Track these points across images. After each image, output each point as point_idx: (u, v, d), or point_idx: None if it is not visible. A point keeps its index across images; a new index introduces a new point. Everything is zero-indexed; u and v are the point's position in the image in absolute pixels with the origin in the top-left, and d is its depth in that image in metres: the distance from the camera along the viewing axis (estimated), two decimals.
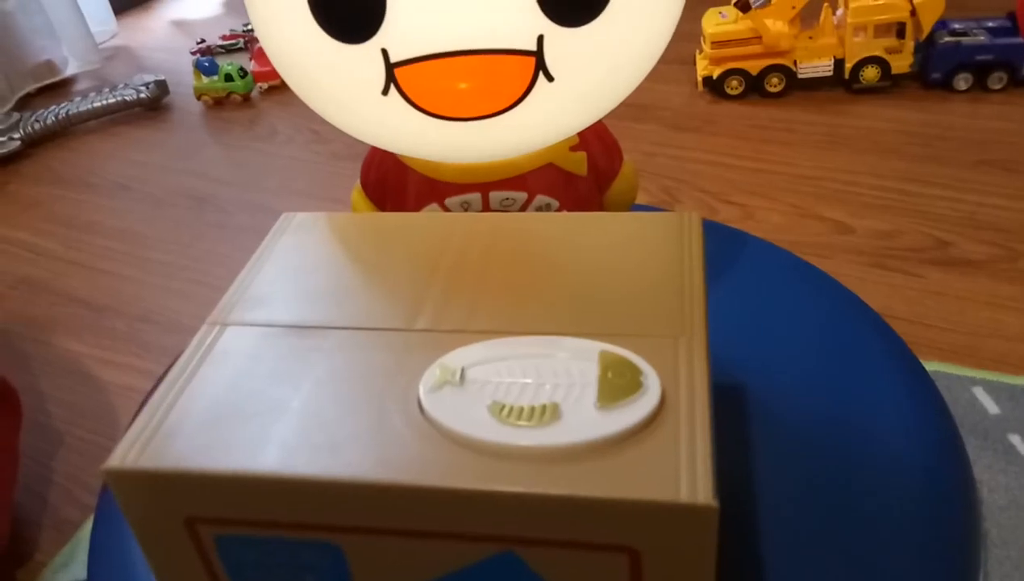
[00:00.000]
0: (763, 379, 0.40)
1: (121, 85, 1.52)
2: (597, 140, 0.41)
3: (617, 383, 0.25)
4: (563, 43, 0.31)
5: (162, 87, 1.52)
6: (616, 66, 0.34)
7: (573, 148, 0.39)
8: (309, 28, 0.32)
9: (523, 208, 0.39)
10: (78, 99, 1.50)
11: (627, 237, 0.32)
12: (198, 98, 1.51)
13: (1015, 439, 0.77)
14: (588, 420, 0.24)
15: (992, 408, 0.80)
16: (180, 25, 1.94)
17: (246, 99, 1.50)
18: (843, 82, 1.26)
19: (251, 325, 0.29)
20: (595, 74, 0.34)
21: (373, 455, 0.24)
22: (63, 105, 1.48)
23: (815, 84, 1.28)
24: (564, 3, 0.31)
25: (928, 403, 0.38)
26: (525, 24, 0.31)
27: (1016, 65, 1.18)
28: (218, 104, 1.50)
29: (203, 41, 1.73)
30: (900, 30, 1.20)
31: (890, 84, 1.25)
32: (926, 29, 1.19)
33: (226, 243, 1.14)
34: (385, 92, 0.32)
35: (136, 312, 1.06)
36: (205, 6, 2.04)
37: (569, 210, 0.40)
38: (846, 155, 1.16)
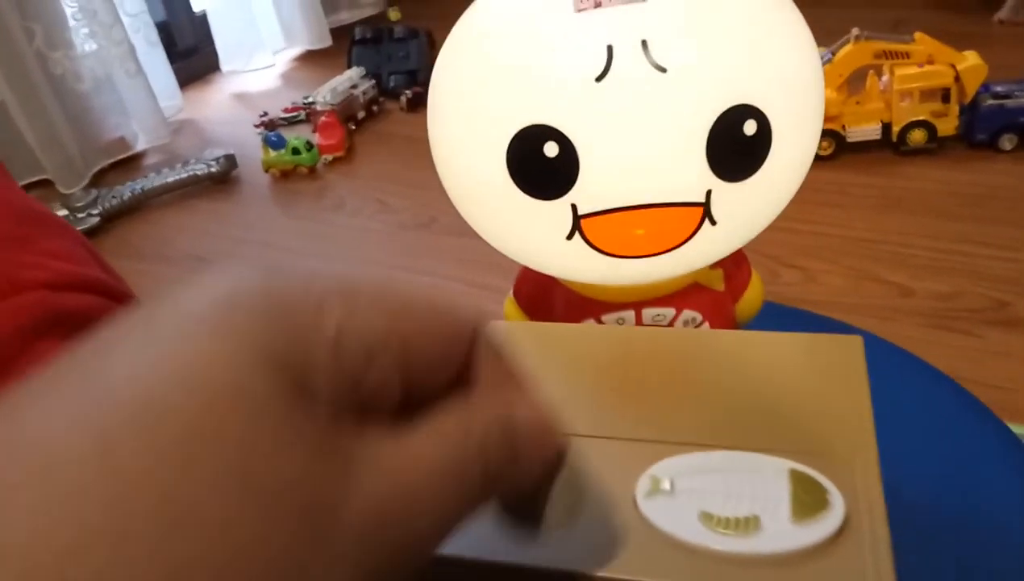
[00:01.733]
0: (891, 480, 0.44)
1: (192, 160, 1.60)
2: (730, 257, 0.46)
3: (807, 500, 0.30)
4: (728, 194, 0.37)
5: (231, 161, 1.59)
6: (768, 206, 0.39)
7: (712, 266, 0.44)
8: (504, 185, 0.37)
9: (672, 322, 0.44)
10: (152, 174, 1.57)
11: (796, 357, 0.36)
12: (266, 171, 1.57)
13: None
14: (785, 532, 0.29)
15: None
16: (241, 98, 2.02)
17: (312, 171, 1.57)
18: (891, 144, 1.31)
19: None
20: (751, 215, 0.39)
21: (599, 551, 0.29)
22: (138, 181, 1.55)
23: (863, 147, 1.33)
24: (731, 164, 0.36)
25: None
26: (697, 181, 0.36)
27: None
28: (284, 176, 1.57)
29: (266, 114, 1.80)
30: (945, 95, 1.25)
31: (936, 146, 1.30)
32: (970, 93, 1.24)
33: None
34: (569, 238, 0.37)
35: None
36: (264, 79, 2.12)
37: (710, 320, 0.44)
38: (899, 216, 1.20)
